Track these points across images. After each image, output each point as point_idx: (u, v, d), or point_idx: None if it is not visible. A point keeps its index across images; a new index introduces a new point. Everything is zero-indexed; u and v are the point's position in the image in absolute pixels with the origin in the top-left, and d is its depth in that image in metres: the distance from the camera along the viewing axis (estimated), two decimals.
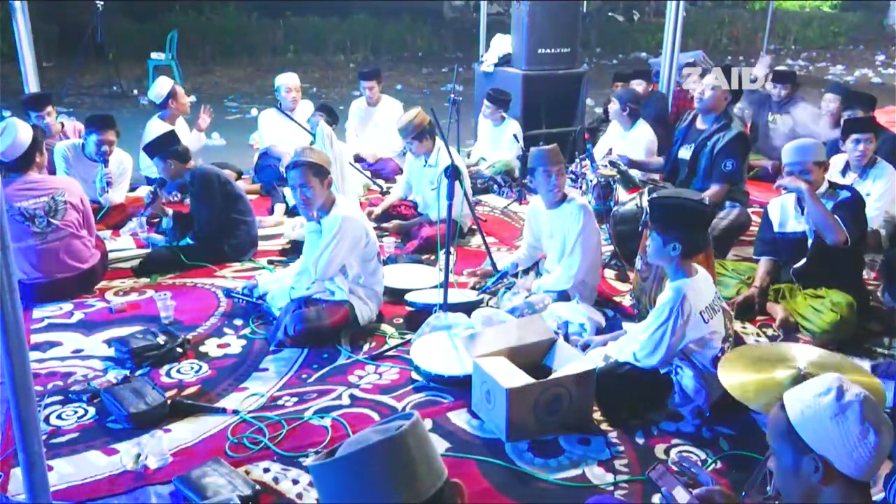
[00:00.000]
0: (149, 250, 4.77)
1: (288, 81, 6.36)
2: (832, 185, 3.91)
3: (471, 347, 3.19)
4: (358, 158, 6.47)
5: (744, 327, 3.88)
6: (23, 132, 4.12)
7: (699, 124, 4.86)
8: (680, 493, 2.15)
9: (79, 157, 5.22)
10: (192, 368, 3.47)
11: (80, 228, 4.24)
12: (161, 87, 5.94)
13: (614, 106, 6.09)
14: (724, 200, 4.71)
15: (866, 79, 13.92)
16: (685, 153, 4.89)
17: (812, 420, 1.62)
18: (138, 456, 2.76)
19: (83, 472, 2.72)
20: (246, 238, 4.78)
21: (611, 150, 6.07)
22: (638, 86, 6.89)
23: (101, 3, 9.94)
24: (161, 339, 3.55)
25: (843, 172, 4.85)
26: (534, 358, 3.21)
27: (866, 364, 3.44)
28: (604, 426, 3.03)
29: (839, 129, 5.14)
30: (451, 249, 3.99)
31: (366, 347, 3.69)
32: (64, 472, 2.72)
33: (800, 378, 2.45)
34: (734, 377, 2.61)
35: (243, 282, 4.24)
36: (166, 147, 4.68)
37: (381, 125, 6.69)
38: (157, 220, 5.12)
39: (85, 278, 4.25)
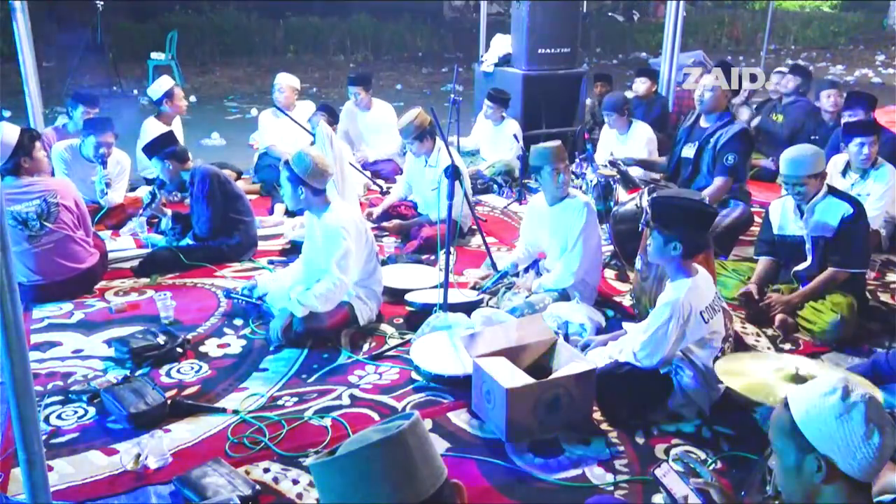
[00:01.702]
0: (149, 250, 4.77)
1: (281, 81, 6.40)
2: (831, 190, 3.90)
3: (471, 347, 3.19)
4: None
5: (744, 327, 3.87)
6: (8, 135, 4.08)
7: (702, 123, 4.85)
8: (682, 489, 2.15)
9: (77, 158, 5.22)
10: (192, 368, 3.47)
11: (76, 230, 4.22)
12: (160, 84, 6.02)
13: (610, 116, 6.12)
14: (728, 198, 4.71)
15: (866, 79, 13.93)
16: (689, 151, 4.87)
17: (816, 419, 1.61)
18: (138, 456, 2.76)
19: (83, 472, 2.72)
20: (245, 238, 4.78)
21: (612, 153, 6.09)
22: (642, 84, 6.90)
23: (101, 3, 9.95)
24: (161, 339, 3.55)
25: (844, 173, 4.85)
26: (534, 358, 3.21)
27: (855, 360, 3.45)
28: (604, 426, 3.02)
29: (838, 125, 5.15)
30: (451, 249, 3.98)
31: (366, 347, 3.69)
32: (64, 472, 2.71)
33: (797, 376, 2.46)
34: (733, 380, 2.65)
35: (243, 282, 4.23)
36: (164, 147, 4.68)
37: (373, 128, 6.69)
38: (156, 220, 5.13)
39: (84, 279, 4.24)
